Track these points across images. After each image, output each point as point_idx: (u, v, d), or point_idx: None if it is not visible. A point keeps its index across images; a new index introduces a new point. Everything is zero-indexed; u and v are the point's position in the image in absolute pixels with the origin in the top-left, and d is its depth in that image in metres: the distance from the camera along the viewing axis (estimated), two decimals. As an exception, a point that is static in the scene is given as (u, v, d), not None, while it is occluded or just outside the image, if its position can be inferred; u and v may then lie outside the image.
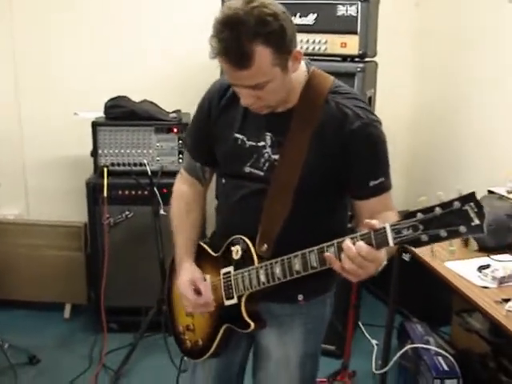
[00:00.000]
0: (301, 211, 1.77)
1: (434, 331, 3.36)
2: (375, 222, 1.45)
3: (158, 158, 3.71)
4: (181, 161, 3.68)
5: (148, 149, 3.70)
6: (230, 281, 1.85)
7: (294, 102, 1.75)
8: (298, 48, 1.65)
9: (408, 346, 3.14)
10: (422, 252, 2.59)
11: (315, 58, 3.22)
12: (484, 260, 2.56)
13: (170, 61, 4.10)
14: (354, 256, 1.46)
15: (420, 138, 4.42)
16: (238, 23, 1.50)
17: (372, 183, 1.71)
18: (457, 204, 1.31)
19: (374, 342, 3.66)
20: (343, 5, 3.15)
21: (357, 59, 3.25)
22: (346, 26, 3.17)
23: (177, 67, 4.10)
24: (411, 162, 4.51)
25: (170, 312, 2.15)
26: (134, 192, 3.65)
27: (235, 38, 1.51)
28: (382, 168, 1.75)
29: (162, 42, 4.08)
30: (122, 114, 3.72)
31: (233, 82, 1.67)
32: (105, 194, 3.53)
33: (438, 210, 1.34)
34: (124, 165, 3.70)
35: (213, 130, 1.90)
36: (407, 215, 1.39)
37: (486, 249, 2.66)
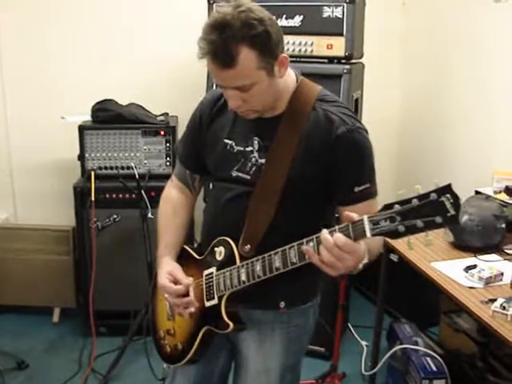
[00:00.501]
0: (285, 214, 1.79)
1: (423, 332, 3.38)
2: (353, 215, 1.47)
3: (145, 162, 3.70)
4: (168, 164, 3.69)
5: (135, 152, 3.69)
6: (212, 281, 1.86)
7: (282, 108, 1.80)
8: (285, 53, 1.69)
9: (396, 347, 3.15)
10: (408, 252, 2.61)
11: (301, 59, 3.24)
12: (471, 260, 2.57)
13: (158, 64, 4.09)
14: (331, 247, 1.47)
15: (407, 139, 4.43)
16: (225, 26, 1.57)
17: (357, 189, 1.73)
18: (433, 195, 1.33)
19: (363, 343, 3.66)
20: (329, 6, 3.15)
21: (343, 61, 3.26)
22: (332, 28, 3.18)
23: (164, 70, 4.09)
24: (398, 163, 4.52)
25: (152, 317, 2.15)
26: (121, 195, 3.64)
27: (222, 39, 1.57)
28: (367, 174, 1.77)
29: (150, 45, 4.06)
30: (109, 117, 3.70)
31: (219, 82, 1.71)
32: (92, 197, 3.52)
33: (414, 202, 1.36)
34: (111, 168, 3.69)
35: (204, 138, 1.94)
36: (384, 207, 1.41)
37: (472, 249, 2.67)
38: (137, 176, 3.57)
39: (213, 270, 1.86)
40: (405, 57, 4.31)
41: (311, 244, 1.56)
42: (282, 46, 1.68)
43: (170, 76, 4.08)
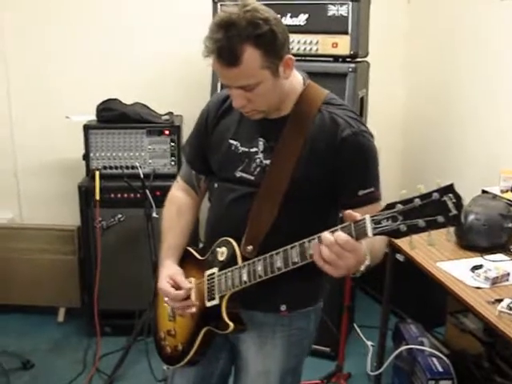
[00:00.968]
0: (289, 216, 1.79)
1: (429, 332, 3.36)
2: (356, 214, 1.46)
3: (150, 161, 3.69)
4: (173, 163, 3.68)
5: (140, 151, 3.69)
6: (214, 282, 1.85)
7: (287, 110, 1.80)
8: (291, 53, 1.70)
9: (402, 348, 3.13)
10: (415, 252, 2.59)
11: (307, 58, 3.23)
12: (477, 260, 2.55)
13: (162, 63, 4.08)
14: (332, 244, 1.46)
15: (412, 137, 4.41)
16: (230, 25, 1.59)
17: (361, 192, 1.73)
18: (435, 195, 1.32)
19: (369, 343, 3.64)
20: (334, 5, 3.14)
21: (348, 59, 3.25)
22: (337, 26, 3.16)
23: (169, 69, 4.08)
24: (403, 161, 4.50)
25: (154, 317, 2.14)
26: (126, 195, 3.63)
27: (227, 38, 1.58)
28: (372, 178, 1.77)
29: (154, 44, 4.06)
30: (113, 116, 3.70)
31: (224, 81, 1.71)
32: (97, 197, 3.51)
33: (417, 201, 1.35)
34: (116, 168, 3.69)
35: (209, 139, 1.95)
36: (387, 206, 1.40)
37: (479, 249, 2.65)
38: (141, 175, 3.56)
39: (215, 270, 1.86)
40: (409, 55, 4.29)
41: (313, 243, 1.56)
42: (287, 47, 1.69)
43: (174, 75, 4.07)
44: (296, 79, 1.80)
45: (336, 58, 3.27)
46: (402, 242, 2.59)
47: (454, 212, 1.30)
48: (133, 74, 4.07)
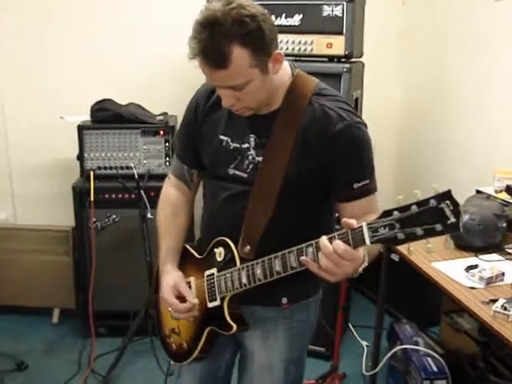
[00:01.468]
0: (284, 213, 1.76)
1: (424, 332, 3.36)
2: (353, 222, 1.44)
3: (144, 161, 3.68)
4: (168, 164, 3.67)
5: (134, 152, 3.68)
6: (214, 282, 1.84)
7: (277, 104, 1.75)
8: (280, 49, 1.64)
9: (397, 348, 3.13)
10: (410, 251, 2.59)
11: (301, 58, 3.21)
12: (472, 260, 2.55)
13: (157, 63, 4.07)
14: (330, 253, 1.46)
15: (407, 138, 4.41)
16: (215, 24, 1.52)
17: (356, 185, 1.71)
18: (433, 202, 1.31)
19: (364, 343, 3.65)
20: (329, 5, 3.14)
21: (343, 60, 3.24)
22: (331, 27, 3.15)
23: (163, 70, 4.07)
24: (398, 162, 4.51)
25: (157, 315, 2.14)
26: (120, 195, 3.62)
27: (212, 38, 1.52)
28: (367, 170, 1.74)
29: (149, 44, 4.05)
30: (108, 117, 3.69)
31: (212, 82, 1.67)
32: (92, 197, 3.50)
33: (414, 208, 1.33)
34: (111, 168, 3.68)
35: (199, 132, 1.90)
36: (384, 214, 1.38)
37: (474, 248, 2.65)
38: (136, 176, 3.55)
39: (214, 271, 1.85)
40: (404, 55, 4.29)
41: (310, 249, 1.55)
42: (275, 43, 1.63)
43: (169, 75, 4.05)
44: (284, 71, 1.74)
45: (331, 59, 3.26)
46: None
47: (453, 220, 1.29)
48: (128, 75, 4.06)
